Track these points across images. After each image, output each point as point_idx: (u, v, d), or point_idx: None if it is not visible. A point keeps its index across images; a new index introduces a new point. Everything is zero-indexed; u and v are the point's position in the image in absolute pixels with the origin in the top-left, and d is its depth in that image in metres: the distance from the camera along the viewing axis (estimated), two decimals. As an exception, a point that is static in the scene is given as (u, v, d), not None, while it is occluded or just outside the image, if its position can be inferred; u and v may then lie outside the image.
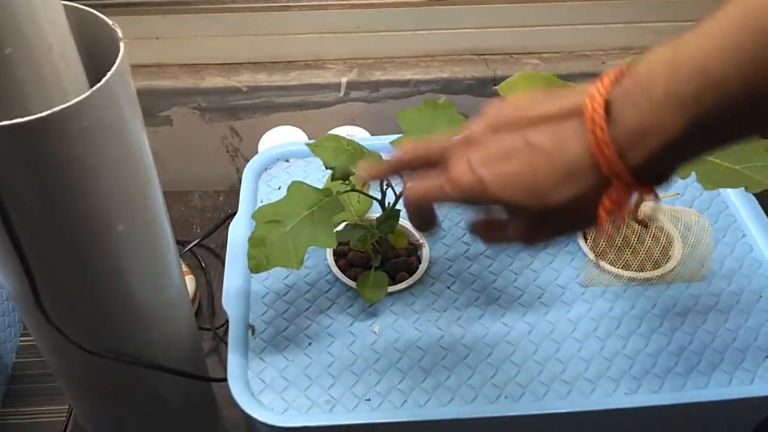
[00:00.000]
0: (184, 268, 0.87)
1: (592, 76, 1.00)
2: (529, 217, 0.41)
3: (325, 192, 0.59)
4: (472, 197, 0.41)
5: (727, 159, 0.51)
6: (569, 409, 0.56)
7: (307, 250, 0.55)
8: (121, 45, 0.43)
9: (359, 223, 0.66)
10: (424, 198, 0.44)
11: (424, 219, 0.47)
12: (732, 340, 0.62)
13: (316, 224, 0.56)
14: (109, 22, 0.44)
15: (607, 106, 0.36)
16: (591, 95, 0.36)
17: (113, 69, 0.41)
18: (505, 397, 0.57)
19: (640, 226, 0.66)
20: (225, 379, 0.59)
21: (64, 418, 0.76)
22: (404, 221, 0.70)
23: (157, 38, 0.97)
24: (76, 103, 0.39)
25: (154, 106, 0.98)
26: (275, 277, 0.67)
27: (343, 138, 0.61)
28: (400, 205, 0.63)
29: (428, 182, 0.43)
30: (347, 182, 0.60)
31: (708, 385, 0.58)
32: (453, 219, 0.72)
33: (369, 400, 0.58)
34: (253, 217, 0.57)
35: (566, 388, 0.58)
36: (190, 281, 0.85)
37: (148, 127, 1.01)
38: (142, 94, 0.97)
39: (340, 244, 0.69)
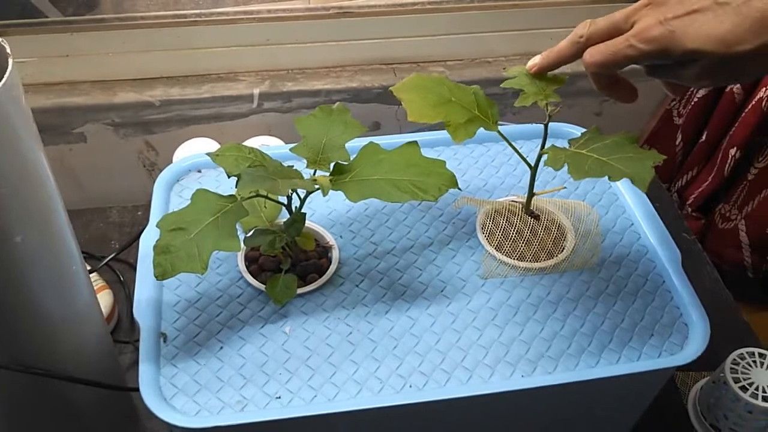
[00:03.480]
0: (102, 283, 0.87)
1: (494, 81, 1.05)
2: (706, 65, 0.49)
3: (230, 198, 0.61)
4: (658, 49, 0.49)
5: (595, 152, 0.56)
6: (469, 394, 0.59)
7: (211, 254, 0.57)
8: (10, 61, 0.44)
9: (268, 228, 0.68)
10: (606, 59, 0.52)
11: (607, 83, 0.54)
12: (620, 321, 0.66)
13: (220, 229, 0.58)
14: (-2, 39, 0.46)
15: None
16: None
17: (1, 84, 0.42)
18: (410, 386, 0.60)
19: (532, 219, 0.70)
20: (137, 389, 0.60)
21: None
22: (311, 223, 0.72)
23: (67, 56, 0.97)
24: (-35, 118, 0.40)
25: (67, 123, 0.98)
26: (187, 285, 0.69)
27: (245, 146, 0.63)
28: (305, 209, 0.65)
29: (611, 43, 0.51)
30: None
31: (598, 364, 0.63)
32: (361, 221, 0.75)
33: (279, 397, 0.60)
34: (157, 225, 0.59)
35: (467, 374, 0.61)
36: (107, 295, 0.85)
37: (62, 144, 1.02)
38: (53, 111, 0.98)
39: (252, 249, 0.71)
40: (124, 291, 0.92)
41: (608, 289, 0.69)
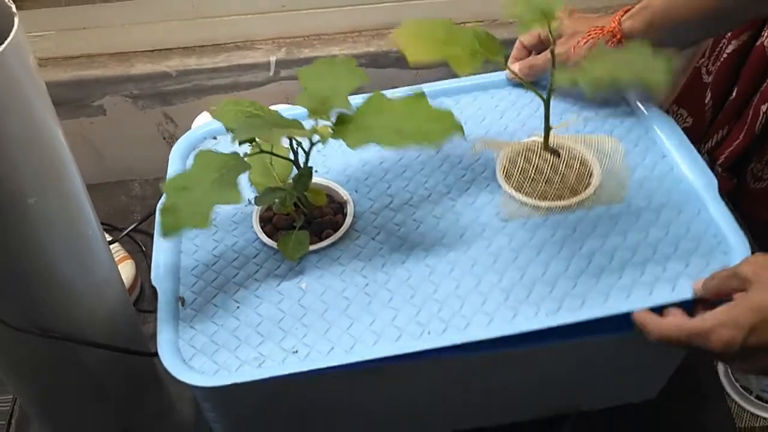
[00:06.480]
0: (124, 254, 0.88)
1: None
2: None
3: (232, 155, 0.59)
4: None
5: (606, 63, 0.52)
6: (490, 335, 0.57)
7: (213, 207, 0.56)
8: (15, 20, 0.44)
9: (279, 186, 0.67)
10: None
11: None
12: (653, 254, 0.62)
13: (223, 185, 0.57)
14: (5, -1, 0.45)
15: None
16: None
17: (6, 42, 0.42)
18: (429, 333, 0.58)
19: (553, 156, 0.66)
20: (156, 354, 0.59)
21: (8, 408, 0.76)
22: (325, 180, 0.71)
23: (84, 28, 0.97)
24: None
25: (86, 96, 0.98)
26: (204, 249, 0.68)
27: (245, 101, 0.61)
28: (320, 166, 0.63)
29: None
30: (254, 144, 0.61)
31: (629, 298, 0.59)
32: (377, 175, 0.73)
33: (296, 351, 0.59)
34: (162, 188, 0.58)
35: (487, 318, 0.59)
36: (130, 265, 0.86)
37: (82, 117, 1.02)
38: (72, 84, 0.98)
39: (266, 210, 0.70)
40: (146, 262, 0.92)
41: (639, 222, 0.65)
